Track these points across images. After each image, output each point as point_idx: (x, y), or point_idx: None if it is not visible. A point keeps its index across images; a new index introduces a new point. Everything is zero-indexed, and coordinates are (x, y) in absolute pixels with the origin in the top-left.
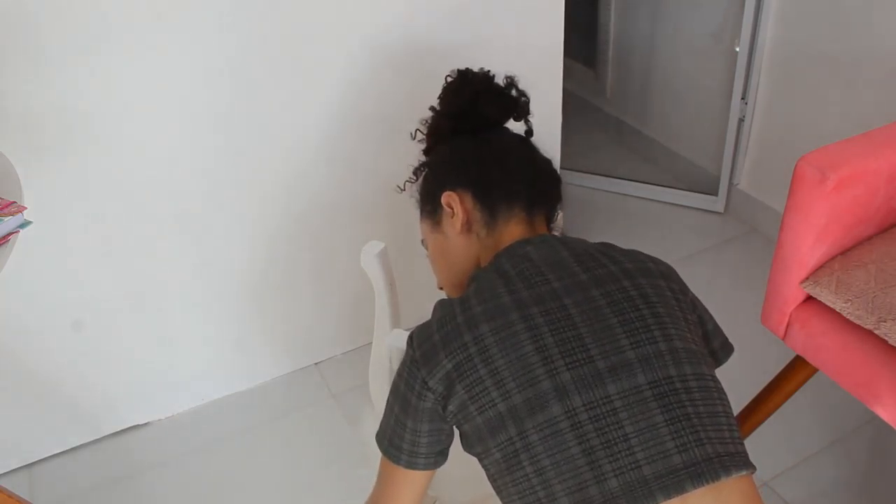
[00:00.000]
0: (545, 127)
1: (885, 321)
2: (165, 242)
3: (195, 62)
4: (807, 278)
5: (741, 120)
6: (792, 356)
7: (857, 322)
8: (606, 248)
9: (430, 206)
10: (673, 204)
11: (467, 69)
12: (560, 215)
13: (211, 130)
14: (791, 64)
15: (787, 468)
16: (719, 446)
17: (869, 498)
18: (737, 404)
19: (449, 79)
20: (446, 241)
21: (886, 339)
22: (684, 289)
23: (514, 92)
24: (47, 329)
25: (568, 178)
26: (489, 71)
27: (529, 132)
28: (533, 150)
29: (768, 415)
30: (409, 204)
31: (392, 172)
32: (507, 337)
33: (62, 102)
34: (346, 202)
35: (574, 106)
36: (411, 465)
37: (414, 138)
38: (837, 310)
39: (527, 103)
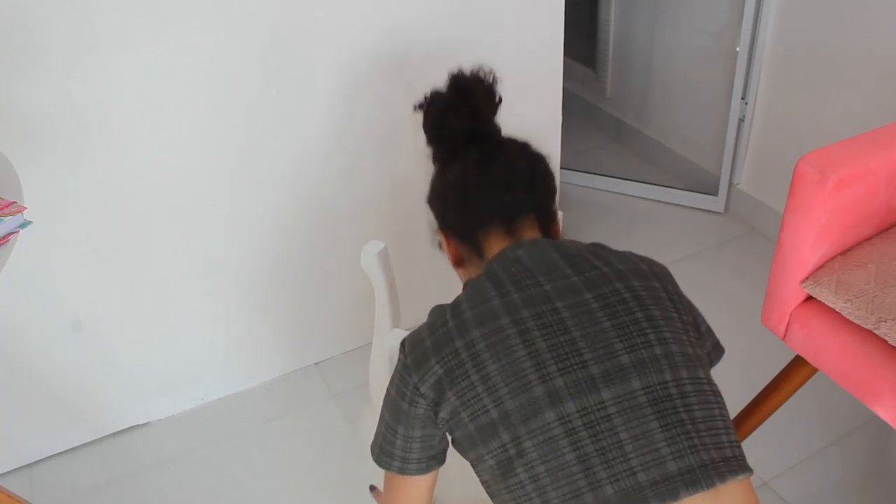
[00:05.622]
0: (545, 127)
1: (885, 321)
2: (165, 242)
3: (195, 63)
4: (807, 278)
5: (741, 120)
6: (792, 356)
7: (857, 322)
8: (598, 250)
9: (436, 231)
10: (673, 204)
11: (432, 93)
12: (560, 215)
13: (210, 131)
14: (791, 64)
15: (787, 468)
16: (714, 452)
17: (869, 498)
18: (737, 404)
19: (419, 104)
20: (452, 265)
21: (886, 339)
22: (679, 290)
23: (478, 95)
24: (47, 329)
25: (568, 178)
26: (458, 72)
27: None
28: (501, 159)
29: (768, 415)
30: (410, 204)
31: (393, 172)
32: (499, 342)
33: (61, 102)
34: (347, 202)
35: (574, 106)
36: (403, 471)
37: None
38: (837, 310)
39: (491, 101)
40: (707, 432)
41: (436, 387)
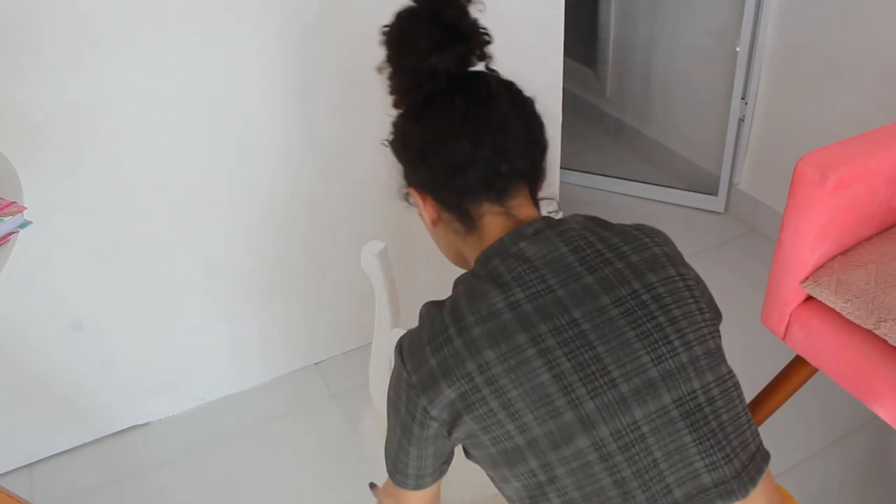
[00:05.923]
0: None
1: (885, 321)
2: (165, 243)
3: (195, 63)
4: (807, 278)
5: (741, 120)
6: (792, 356)
7: (857, 322)
8: (604, 233)
9: (406, 187)
10: (673, 204)
11: (402, 20)
12: (560, 215)
13: (210, 131)
14: (791, 64)
15: (788, 468)
16: (743, 455)
17: (869, 498)
18: None
19: (385, 33)
20: (426, 225)
21: (886, 339)
22: (687, 266)
23: (466, 33)
24: (47, 329)
25: (568, 178)
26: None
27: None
28: (495, 119)
29: (768, 415)
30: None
31: (392, 173)
32: (518, 365)
33: (61, 102)
34: (347, 202)
35: (574, 106)
36: (420, 487)
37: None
38: (837, 310)
39: (480, 40)
40: (734, 434)
41: (449, 409)
